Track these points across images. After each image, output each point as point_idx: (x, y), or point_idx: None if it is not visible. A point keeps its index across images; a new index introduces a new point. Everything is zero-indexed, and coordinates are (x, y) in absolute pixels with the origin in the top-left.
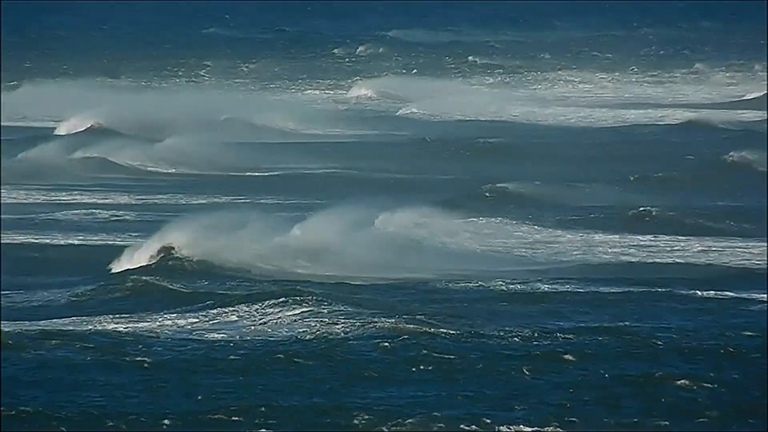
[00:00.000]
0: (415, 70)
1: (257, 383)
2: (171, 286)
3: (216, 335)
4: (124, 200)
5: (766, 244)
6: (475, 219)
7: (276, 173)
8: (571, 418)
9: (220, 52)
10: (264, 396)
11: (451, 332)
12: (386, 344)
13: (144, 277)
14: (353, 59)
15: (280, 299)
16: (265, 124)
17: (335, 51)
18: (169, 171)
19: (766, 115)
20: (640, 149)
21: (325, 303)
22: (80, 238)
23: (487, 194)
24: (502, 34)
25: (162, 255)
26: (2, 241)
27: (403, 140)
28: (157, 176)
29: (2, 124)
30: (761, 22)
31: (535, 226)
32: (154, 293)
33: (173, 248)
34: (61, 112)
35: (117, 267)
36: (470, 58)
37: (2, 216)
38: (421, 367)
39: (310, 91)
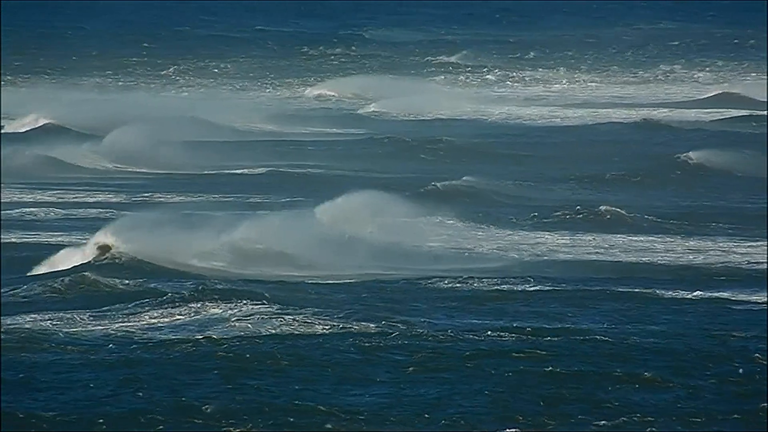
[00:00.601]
0: (384, 70)
1: (186, 382)
2: (107, 285)
3: (149, 334)
4: (70, 198)
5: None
6: (425, 217)
7: (228, 171)
8: (539, 418)
9: (191, 51)
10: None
11: (400, 330)
12: (332, 343)
13: (81, 275)
14: (322, 59)
15: (222, 298)
16: (224, 123)
17: (305, 50)
18: (120, 169)
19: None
20: (599, 148)
21: (270, 302)
22: (18, 235)
23: (440, 192)
24: (482, 33)
25: (103, 253)
26: None
27: (359, 139)
28: (107, 174)
29: None
30: (744, 23)
31: (489, 225)
32: (90, 291)
33: (115, 246)
34: (14, 110)
35: (54, 266)
36: (444, 57)
37: None
38: (367, 365)
39: (274, 90)
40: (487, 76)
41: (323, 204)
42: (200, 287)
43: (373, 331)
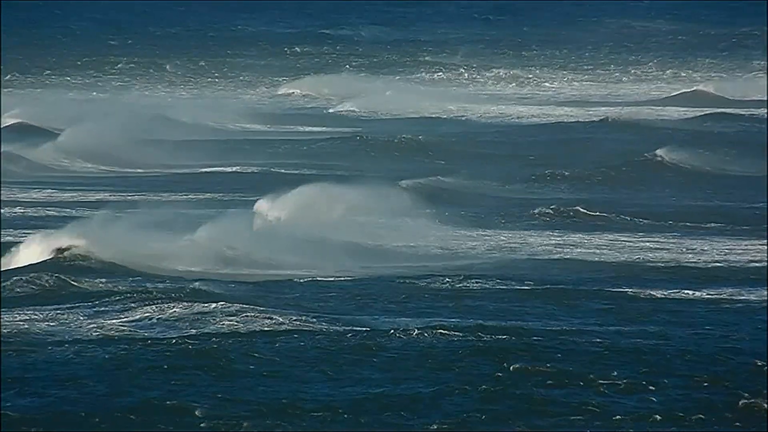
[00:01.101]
0: (364, 69)
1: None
2: (64, 285)
3: (95, 333)
4: (31, 196)
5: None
6: (389, 216)
7: (193, 171)
8: (488, 419)
9: (166, 51)
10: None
11: (356, 329)
12: (287, 341)
13: (36, 275)
14: (301, 57)
15: (180, 297)
16: (194, 122)
17: (284, 49)
18: (85, 167)
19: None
20: (569, 147)
21: (228, 301)
22: None
23: (405, 190)
24: (466, 33)
25: (61, 252)
26: None
27: (330, 137)
28: (71, 173)
29: None
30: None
31: (452, 223)
32: (46, 291)
33: (74, 246)
34: None
35: (9, 264)
36: (421, 56)
37: None
38: (317, 364)
39: (245, 89)
40: (468, 76)
41: (280, 201)
42: (156, 287)
43: (336, 330)
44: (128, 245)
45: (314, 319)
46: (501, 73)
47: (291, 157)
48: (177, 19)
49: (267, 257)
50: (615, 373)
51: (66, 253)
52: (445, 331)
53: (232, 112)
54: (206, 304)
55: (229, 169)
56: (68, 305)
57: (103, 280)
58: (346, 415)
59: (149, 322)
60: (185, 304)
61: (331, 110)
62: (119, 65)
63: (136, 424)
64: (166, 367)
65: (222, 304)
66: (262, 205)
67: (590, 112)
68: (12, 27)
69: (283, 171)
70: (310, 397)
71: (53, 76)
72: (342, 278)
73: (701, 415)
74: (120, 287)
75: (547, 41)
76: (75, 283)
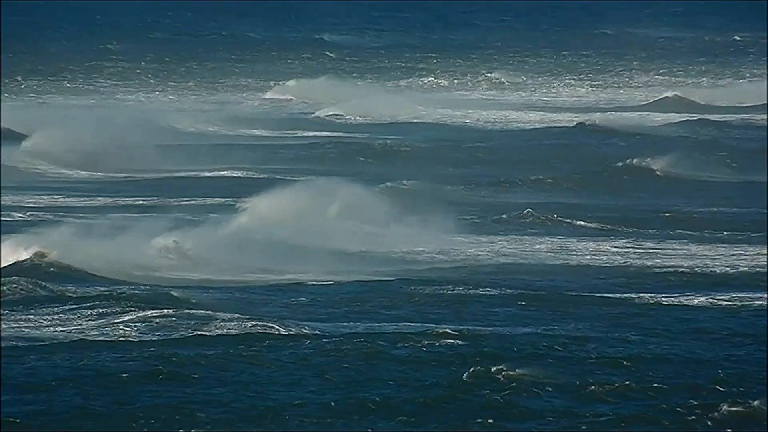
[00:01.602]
0: (342, 73)
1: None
2: (32, 289)
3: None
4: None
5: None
6: (360, 221)
7: (170, 175)
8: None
9: (151, 55)
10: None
11: (316, 333)
12: (247, 346)
13: (8, 279)
14: (282, 62)
15: (146, 303)
16: (174, 126)
17: (266, 53)
18: (61, 172)
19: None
20: (543, 152)
21: (193, 307)
22: None
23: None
24: (445, 37)
25: (33, 258)
26: None
27: (308, 142)
28: (43, 177)
29: None
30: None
31: (421, 228)
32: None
33: (45, 251)
34: None
35: None
36: (408, 61)
37: None
38: (279, 368)
39: (229, 93)
40: (447, 81)
41: (249, 206)
42: (117, 292)
43: (283, 334)
44: (98, 250)
45: (277, 325)
46: (487, 79)
47: (270, 162)
48: (162, 24)
49: (239, 262)
50: (597, 379)
51: (37, 259)
52: (410, 336)
53: (214, 116)
54: (172, 310)
55: (206, 174)
56: (37, 310)
57: (72, 286)
58: (305, 419)
59: (111, 327)
60: (152, 310)
61: (315, 115)
62: (102, 69)
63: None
64: (124, 374)
65: (188, 312)
66: (239, 209)
67: (565, 118)
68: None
69: (260, 176)
70: (268, 402)
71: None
72: (311, 283)
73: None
74: (90, 293)
75: (537, 47)
76: (46, 289)
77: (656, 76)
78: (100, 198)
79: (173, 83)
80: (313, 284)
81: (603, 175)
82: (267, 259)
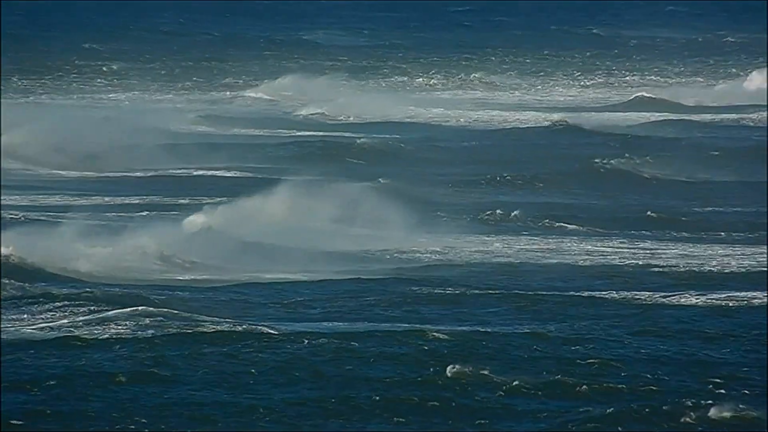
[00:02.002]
0: (332, 72)
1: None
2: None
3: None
4: None
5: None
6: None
7: (151, 174)
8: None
9: (136, 50)
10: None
11: (284, 333)
12: (190, 347)
13: None
14: (265, 61)
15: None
16: (158, 126)
17: (255, 53)
18: (34, 170)
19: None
20: (513, 151)
21: (155, 306)
22: None
23: (347, 193)
24: (429, 38)
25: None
26: None
27: (294, 141)
28: (15, 176)
29: None
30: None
31: (392, 227)
32: None
33: (5, 251)
34: None
35: None
36: (393, 61)
37: None
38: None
39: (216, 92)
40: (427, 80)
41: (223, 205)
42: (81, 292)
43: (239, 332)
44: (61, 250)
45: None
46: (469, 78)
47: (252, 161)
48: (150, 23)
49: (214, 262)
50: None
51: (6, 259)
52: (393, 335)
53: (200, 115)
54: (124, 309)
55: (186, 173)
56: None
57: (29, 285)
58: (266, 419)
59: (60, 325)
60: (96, 308)
61: (302, 114)
62: (88, 69)
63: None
64: (65, 372)
65: (143, 308)
66: (215, 209)
67: (539, 117)
68: None
69: (242, 175)
70: (207, 400)
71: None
72: (281, 281)
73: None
74: (52, 292)
75: (527, 48)
76: (15, 288)
77: (638, 76)
78: (73, 197)
79: (160, 83)
80: (281, 282)
81: (585, 174)
82: (241, 259)
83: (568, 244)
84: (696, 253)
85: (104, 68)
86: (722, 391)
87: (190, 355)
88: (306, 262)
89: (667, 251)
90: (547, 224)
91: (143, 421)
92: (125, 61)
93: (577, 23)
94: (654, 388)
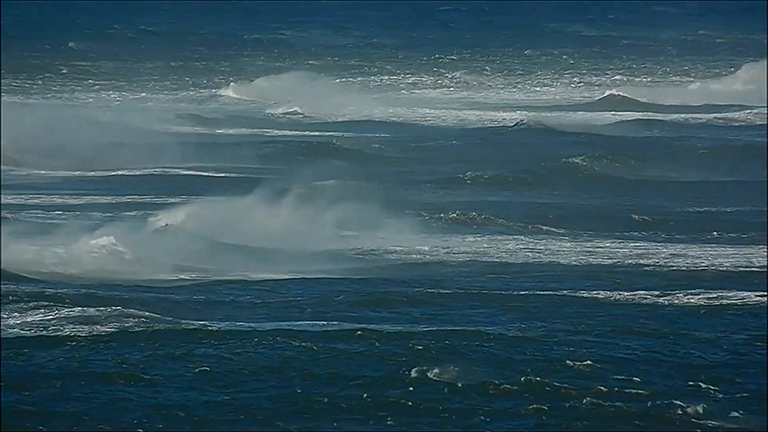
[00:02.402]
0: (306, 71)
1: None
2: None
3: None
4: None
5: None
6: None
7: (113, 174)
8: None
9: (111, 50)
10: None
11: (233, 334)
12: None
13: None
14: (239, 60)
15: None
16: (128, 125)
17: (223, 51)
18: (14, 170)
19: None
20: (477, 149)
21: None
22: None
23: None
24: (413, 36)
25: None
26: None
27: (261, 141)
28: None
29: None
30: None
31: (350, 226)
32: None
33: None
34: None
35: None
36: (366, 60)
37: None
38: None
39: (186, 92)
40: (409, 79)
41: (191, 206)
42: (37, 291)
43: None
44: (27, 249)
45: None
46: (452, 78)
47: (216, 160)
48: (121, 22)
49: (163, 261)
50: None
51: None
52: (344, 335)
53: (170, 114)
54: (83, 309)
55: (150, 172)
56: None
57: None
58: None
59: (18, 325)
60: (64, 309)
61: (279, 114)
62: (59, 68)
63: None
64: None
65: (103, 309)
66: (171, 209)
67: (506, 116)
68: None
69: (208, 175)
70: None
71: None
72: (236, 281)
73: None
74: (15, 292)
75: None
76: None
77: (621, 76)
78: (34, 196)
79: (130, 82)
80: (235, 281)
81: (563, 174)
82: (196, 258)
83: (551, 244)
84: (687, 254)
85: (90, 68)
86: (712, 392)
87: (168, 356)
88: (280, 262)
89: (657, 251)
90: (528, 224)
91: (134, 421)
92: (110, 61)
93: (565, 23)
94: (641, 389)
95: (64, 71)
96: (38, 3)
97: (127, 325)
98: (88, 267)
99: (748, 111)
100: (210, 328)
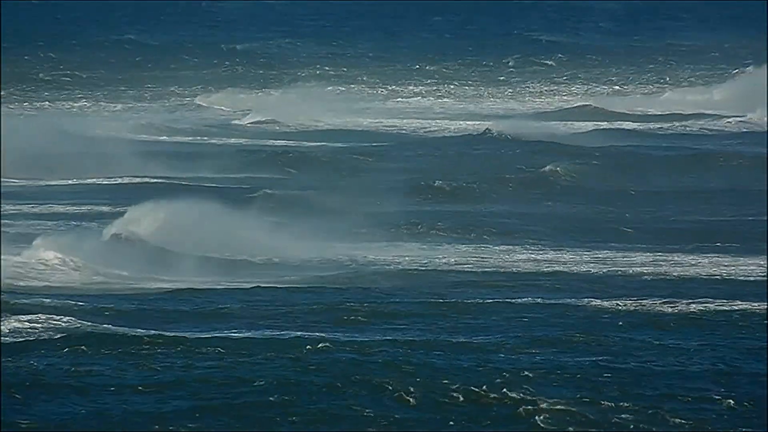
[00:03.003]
0: (267, 81)
1: None
2: None
3: None
4: None
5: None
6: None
7: (64, 182)
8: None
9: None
10: None
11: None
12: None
13: None
14: (202, 70)
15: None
16: (87, 134)
17: (187, 61)
18: None
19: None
20: (435, 159)
21: (53, 315)
22: None
23: (259, 201)
24: (365, 46)
25: None
26: None
27: (225, 150)
28: None
29: None
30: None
31: (304, 236)
32: None
33: None
34: None
35: None
36: (331, 69)
37: None
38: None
39: (158, 101)
40: (365, 89)
41: (136, 213)
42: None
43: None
44: None
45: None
46: (401, 87)
47: (176, 170)
48: (83, 31)
49: (109, 270)
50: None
51: None
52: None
53: (128, 124)
54: (25, 317)
55: (103, 182)
56: None
57: None
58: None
59: None
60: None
61: (239, 123)
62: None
63: None
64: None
65: (41, 317)
66: (126, 218)
67: (467, 126)
68: None
69: (162, 182)
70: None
71: None
72: (184, 289)
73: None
74: None
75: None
76: None
77: (572, 84)
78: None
79: (105, 91)
80: (183, 289)
81: (507, 183)
82: (142, 267)
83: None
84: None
85: (66, 77)
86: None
87: (112, 363)
88: (226, 271)
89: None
90: (481, 233)
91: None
92: (86, 71)
93: (538, 31)
94: (605, 401)
95: (40, 80)
96: (19, 9)
97: (56, 332)
98: (34, 276)
99: (725, 120)
100: (143, 336)
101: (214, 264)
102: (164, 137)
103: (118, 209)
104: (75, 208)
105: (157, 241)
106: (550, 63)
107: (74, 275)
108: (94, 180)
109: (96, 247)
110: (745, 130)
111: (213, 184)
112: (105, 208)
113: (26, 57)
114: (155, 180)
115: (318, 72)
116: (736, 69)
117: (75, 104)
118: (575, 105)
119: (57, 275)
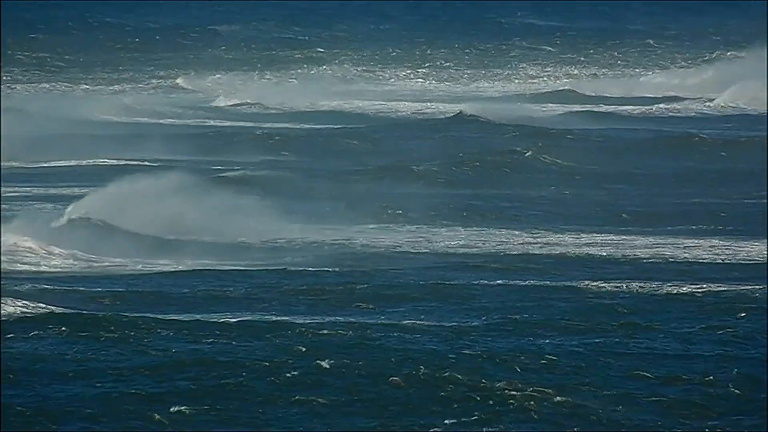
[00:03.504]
0: (249, 63)
1: None
2: None
3: None
4: None
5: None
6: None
7: (44, 164)
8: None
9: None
10: None
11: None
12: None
13: None
14: (181, 52)
15: None
16: (67, 116)
17: (168, 43)
18: None
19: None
20: (413, 141)
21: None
22: None
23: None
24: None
25: None
26: None
27: (198, 131)
28: None
29: None
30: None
31: (281, 217)
32: None
33: None
34: None
35: None
36: (311, 52)
37: None
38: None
39: (138, 83)
40: (345, 73)
41: (97, 195)
42: None
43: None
44: None
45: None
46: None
47: (150, 151)
48: (65, 15)
49: (69, 252)
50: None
51: None
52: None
53: (115, 105)
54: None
55: (78, 163)
56: None
57: None
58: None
59: None
60: None
61: (218, 105)
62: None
63: None
64: None
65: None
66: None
67: (443, 108)
68: None
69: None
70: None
71: None
72: (147, 272)
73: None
74: None
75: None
76: None
77: (549, 67)
78: None
79: (86, 73)
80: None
81: (478, 164)
82: (105, 249)
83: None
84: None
85: (46, 60)
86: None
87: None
88: (195, 254)
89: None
90: (465, 215)
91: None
92: (66, 54)
93: (517, 16)
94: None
95: (17, 61)
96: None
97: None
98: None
99: (697, 102)
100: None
101: (187, 246)
102: (140, 118)
103: (84, 191)
104: (42, 190)
105: (117, 222)
106: (545, 48)
107: (34, 258)
108: (67, 162)
109: (54, 229)
110: (716, 113)
111: (185, 165)
112: (69, 191)
113: (9, 40)
114: (127, 162)
115: (297, 55)
116: (713, 53)
117: (54, 86)
118: (552, 90)
119: (16, 258)
